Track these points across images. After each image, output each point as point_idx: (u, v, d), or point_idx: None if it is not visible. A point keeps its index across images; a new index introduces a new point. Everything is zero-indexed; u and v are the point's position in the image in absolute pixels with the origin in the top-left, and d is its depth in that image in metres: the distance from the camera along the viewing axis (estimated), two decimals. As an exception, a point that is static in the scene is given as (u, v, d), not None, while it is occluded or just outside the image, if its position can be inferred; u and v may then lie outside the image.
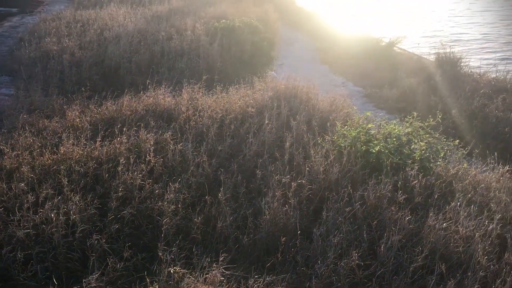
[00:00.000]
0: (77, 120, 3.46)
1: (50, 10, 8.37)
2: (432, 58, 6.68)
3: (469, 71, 4.61)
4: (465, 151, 2.97)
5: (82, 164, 2.75)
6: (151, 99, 3.81)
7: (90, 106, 3.75)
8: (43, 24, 6.25)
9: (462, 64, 4.74)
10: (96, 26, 5.95)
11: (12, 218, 2.26)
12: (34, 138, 3.10)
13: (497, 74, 4.35)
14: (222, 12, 6.75)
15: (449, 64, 4.48)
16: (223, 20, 6.13)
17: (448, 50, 4.93)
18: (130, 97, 3.85)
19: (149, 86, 4.08)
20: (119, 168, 2.64)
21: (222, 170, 2.87)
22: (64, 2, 9.57)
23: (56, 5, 9.16)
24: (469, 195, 2.53)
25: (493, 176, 2.71)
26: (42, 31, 5.89)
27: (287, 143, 3.11)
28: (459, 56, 4.79)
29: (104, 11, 6.86)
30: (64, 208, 2.26)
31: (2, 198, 2.42)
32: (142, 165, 2.75)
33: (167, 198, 2.50)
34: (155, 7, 7.33)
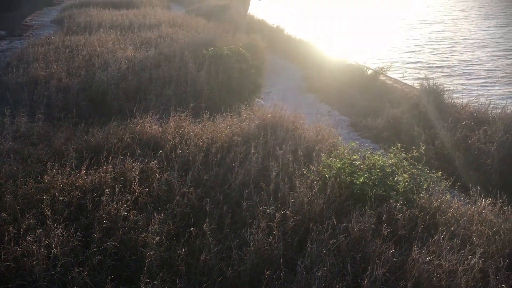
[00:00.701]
0: (63, 147, 3.45)
1: (39, 34, 8.39)
2: (416, 87, 6.83)
3: (452, 101, 4.71)
4: (448, 183, 3.01)
5: (66, 193, 2.73)
6: (138, 126, 3.81)
7: (76, 133, 3.75)
8: (32, 49, 6.26)
9: (444, 95, 4.83)
10: (85, 52, 5.98)
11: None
12: (19, 166, 3.08)
13: (479, 105, 4.44)
14: (211, 40, 6.83)
15: (432, 95, 4.58)
16: (212, 48, 6.20)
17: (431, 81, 5.04)
18: (117, 124, 3.85)
19: (136, 113, 4.10)
20: (104, 198, 2.62)
21: (207, 200, 2.87)
22: (54, 26, 9.61)
23: (45, 30, 9.19)
24: (452, 228, 2.56)
25: (475, 209, 2.74)
26: (30, 56, 5.90)
27: (273, 173, 3.12)
28: (442, 87, 4.89)
29: (94, 36, 6.90)
30: (46, 240, 2.23)
31: (-17, 229, 2.39)
32: (127, 195, 2.74)
33: (151, 229, 2.48)
34: (145, 34, 7.39)
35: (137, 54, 6.10)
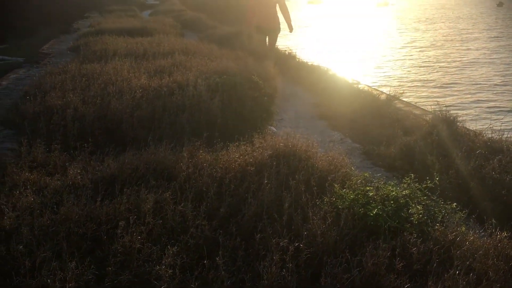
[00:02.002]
0: (78, 177, 3.50)
1: (56, 62, 8.60)
2: (429, 111, 6.82)
3: (465, 130, 4.69)
4: (463, 214, 2.98)
5: (81, 225, 2.76)
6: (152, 156, 3.86)
7: (91, 162, 3.81)
8: (49, 78, 6.41)
9: (458, 122, 4.82)
10: (101, 80, 6.10)
11: (8, 282, 2.26)
12: (35, 197, 3.13)
13: (493, 134, 4.42)
14: (224, 67, 6.93)
15: (445, 123, 4.57)
16: (224, 76, 6.29)
17: (444, 109, 5.04)
18: (131, 153, 3.91)
19: (150, 142, 4.16)
20: (118, 231, 2.65)
21: (221, 231, 2.88)
22: (70, 54, 9.85)
23: (62, 58, 9.42)
24: (468, 262, 2.52)
25: (491, 242, 2.71)
26: (48, 84, 6.04)
27: (286, 204, 3.13)
28: (455, 115, 4.88)
29: (109, 65, 7.04)
30: (61, 274, 2.26)
31: (0, 262, 2.43)
32: (142, 227, 2.77)
33: (165, 262, 2.50)
34: (159, 61, 7.52)
35: (151, 82, 6.21)
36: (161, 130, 4.89)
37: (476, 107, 25.66)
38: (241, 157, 3.92)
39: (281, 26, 8.26)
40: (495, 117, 23.38)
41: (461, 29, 66.67)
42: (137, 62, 7.48)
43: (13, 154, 4.15)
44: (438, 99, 27.97)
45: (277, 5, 8.14)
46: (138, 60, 7.76)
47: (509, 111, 24.35)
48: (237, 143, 4.23)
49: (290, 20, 8.24)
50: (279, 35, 8.47)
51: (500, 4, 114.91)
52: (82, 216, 2.84)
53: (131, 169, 3.64)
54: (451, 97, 28.39)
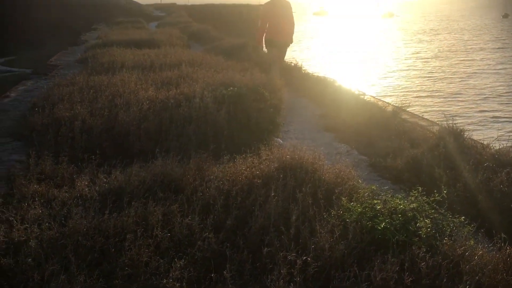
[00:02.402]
0: (86, 189, 3.52)
1: (64, 74, 8.69)
2: (436, 122, 6.80)
3: (472, 142, 4.68)
4: (471, 228, 2.96)
5: (90, 238, 2.77)
6: (159, 168, 3.87)
7: (99, 175, 3.82)
8: (57, 89, 6.47)
9: (464, 134, 4.81)
10: (108, 92, 6.15)
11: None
12: (43, 209, 3.15)
13: (500, 146, 4.41)
14: (230, 78, 6.97)
15: (452, 135, 4.56)
16: (231, 88, 6.32)
17: (451, 121, 5.03)
18: (138, 166, 3.92)
19: (158, 154, 4.18)
20: (126, 244, 2.66)
21: (228, 244, 2.88)
22: (78, 66, 9.95)
23: (70, 69, 9.51)
24: (477, 277, 2.51)
25: (500, 256, 2.69)
26: (56, 96, 6.09)
27: (293, 217, 3.13)
28: (461, 127, 4.87)
29: (116, 77, 7.10)
30: (69, 287, 2.26)
31: (9, 275, 2.44)
32: (149, 240, 2.77)
33: (172, 275, 2.50)
34: (165, 73, 7.58)
35: (158, 94, 6.25)
36: (168, 142, 4.91)
37: (481, 116, 25.72)
38: (248, 169, 3.93)
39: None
40: (499, 125, 23.42)
41: (466, 40, 66.94)
42: (144, 74, 7.54)
43: (21, 166, 4.18)
44: (443, 109, 28.03)
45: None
46: (145, 72, 7.82)
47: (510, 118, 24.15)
48: (243, 155, 4.24)
49: (292, 34, 8.39)
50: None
51: (505, 16, 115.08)
52: (90, 228, 2.85)
53: (138, 181, 3.65)
54: (456, 107, 28.47)
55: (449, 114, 25.43)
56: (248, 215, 3.25)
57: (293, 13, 8.34)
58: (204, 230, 3.00)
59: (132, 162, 4.04)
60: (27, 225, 2.86)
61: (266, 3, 8.28)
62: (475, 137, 5.23)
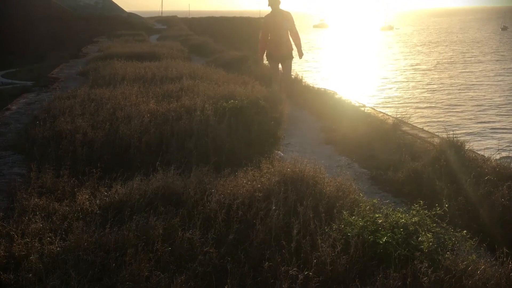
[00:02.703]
0: (87, 203, 3.51)
1: (66, 87, 8.73)
2: (436, 135, 6.80)
3: (473, 155, 4.68)
4: (473, 242, 2.95)
5: (90, 252, 2.76)
6: (160, 181, 3.87)
7: (100, 188, 3.82)
8: (58, 102, 6.50)
9: (465, 147, 4.81)
10: (109, 105, 6.17)
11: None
12: (44, 223, 3.14)
13: (500, 156, 4.42)
14: (231, 92, 7.00)
15: (453, 148, 4.56)
16: (231, 101, 6.34)
17: (451, 134, 5.04)
18: (139, 179, 3.92)
19: (159, 168, 4.17)
20: (127, 258, 2.65)
21: (229, 259, 2.87)
22: (79, 79, 10.00)
23: (71, 82, 9.56)
24: (480, 292, 2.50)
25: (503, 271, 2.68)
26: (57, 109, 6.11)
27: (294, 231, 3.12)
28: (462, 140, 4.88)
29: (118, 89, 7.13)
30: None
31: (9, 290, 2.43)
32: (150, 254, 2.76)
33: (174, 291, 2.49)
34: (166, 86, 7.61)
35: (159, 107, 6.27)
36: (169, 155, 4.91)
37: (479, 127, 25.82)
38: (249, 183, 3.93)
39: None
40: (498, 136, 23.45)
41: (465, 52, 67.53)
42: (146, 87, 7.57)
43: (22, 179, 4.18)
44: (442, 120, 28.17)
45: (288, 31, 8.06)
46: (147, 84, 7.85)
47: (510, 129, 24.28)
48: (244, 169, 4.24)
49: (300, 47, 8.18)
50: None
51: (504, 28, 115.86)
52: (91, 243, 2.84)
53: (139, 194, 3.65)
54: (454, 118, 28.65)
55: (448, 125, 25.70)
56: (250, 229, 3.24)
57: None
58: (205, 244, 2.99)
59: (133, 175, 4.04)
60: (27, 240, 2.86)
61: (266, 15, 8.07)
62: (473, 147, 5.24)
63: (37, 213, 3.25)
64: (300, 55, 8.21)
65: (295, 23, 8.04)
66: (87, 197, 3.57)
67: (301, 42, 8.35)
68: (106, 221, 3.09)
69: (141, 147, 5.04)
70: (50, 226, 3.11)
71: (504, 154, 4.51)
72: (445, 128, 5.44)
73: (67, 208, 3.43)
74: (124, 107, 6.09)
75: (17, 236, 2.87)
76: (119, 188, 3.72)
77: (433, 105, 32.88)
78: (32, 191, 3.70)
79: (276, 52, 8.03)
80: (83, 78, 9.93)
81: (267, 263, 2.74)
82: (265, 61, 9.10)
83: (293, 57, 8.23)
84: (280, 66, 8.39)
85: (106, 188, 3.79)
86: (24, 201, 3.48)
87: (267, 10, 8.16)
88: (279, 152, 5.70)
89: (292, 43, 8.21)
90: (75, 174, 4.24)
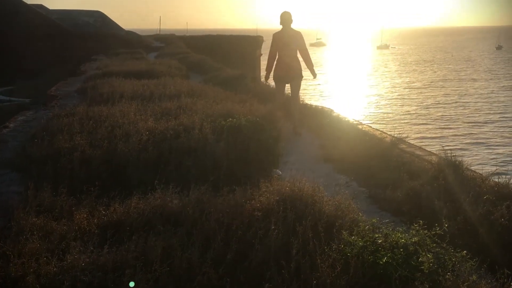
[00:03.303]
0: (85, 222, 3.49)
1: (64, 104, 8.74)
2: (434, 153, 6.82)
3: (471, 173, 4.69)
4: (474, 263, 2.94)
5: (88, 273, 2.73)
6: (159, 200, 3.85)
7: (98, 207, 3.80)
8: (56, 120, 6.50)
9: (463, 166, 4.82)
10: (108, 123, 6.17)
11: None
12: (41, 243, 3.11)
13: (499, 179, 4.42)
14: (229, 110, 7.02)
15: (451, 167, 4.57)
16: (230, 119, 6.35)
17: (449, 152, 5.06)
18: (137, 198, 3.90)
19: (157, 186, 4.16)
20: (125, 279, 2.62)
21: (228, 279, 2.85)
22: (78, 97, 10.02)
23: (70, 100, 9.58)
24: (481, 314, 2.47)
25: (504, 292, 2.66)
26: (55, 127, 6.11)
27: (294, 251, 3.10)
28: (460, 158, 4.89)
29: (116, 107, 7.14)
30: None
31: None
32: (148, 275, 2.74)
33: (172, 312, 2.46)
34: (165, 104, 7.63)
35: (158, 125, 6.27)
36: (167, 174, 4.89)
37: (474, 143, 25.97)
38: (248, 202, 3.91)
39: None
40: (492, 151, 23.57)
41: (459, 71, 68.37)
42: (144, 105, 7.58)
43: (20, 198, 4.14)
44: (436, 136, 28.34)
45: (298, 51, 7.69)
46: (145, 102, 7.87)
47: (504, 146, 24.54)
48: (243, 187, 4.23)
49: (312, 66, 7.83)
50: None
51: (499, 47, 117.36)
52: (89, 263, 2.81)
53: (137, 213, 3.63)
54: (450, 135, 28.89)
55: (443, 142, 25.94)
56: (249, 248, 3.22)
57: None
58: (204, 264, 2.96)
59: (131, 194, 4.02)
60: (24, 260, 2.82)
61: (275, 34, 7.73)
62: (470, 163, 5.25)
63: (34, 232, 3.22)
64: (314, 75, 7.86)
65: (305, 42, 7.78)
66: (85, 216, 3.55)
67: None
68: (104, 240, 3.07)
69: (140, 165, 5.03)
70: (47, 246, 3.08)
71: (502, 168, 4.51)
72: (442, 147, 5.46)
73: (65, 227, 3.40)
74: (123, 125, 6.09)
75: (14, 256, 2.84)
76: (117, 207, 3.70)
77: (428, 122, 33.25)
78: (30, 210, 3.67)
79: (283, 73, 7.71)
80: (82, 95, 9.96)
81: (267, 284, 2.72)
82: (268, 81, 9.01)
83: (302, 77, 7.88)
84: (287, 85, 8.05)
85: (104, 207, 3.77)
86: (21, 220, 3.45)
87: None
88: (277, 170, 5.70)
89: (302, 63, 7.82)
90: (73, 192, 4.22)
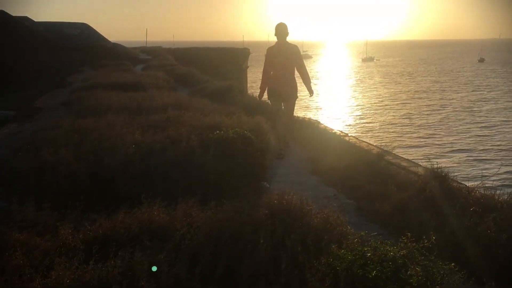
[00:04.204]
0: (69, 238, 3.42)
1: (50, 117, 8.64)
2: (420, 165, 6.87)
3: (457, 185, 4.73)
4: (462, 275, 2.95)
5: (73, 290, 2.68)
6: (146, 215, 3.81)
7: (83, 222, 3.74)
8: (41, 133, 6.42)
9: (450, 178, 4.86)
10: (94, 136, 6.11)
11: None
12: (25, 259, 3.04)
13: (485, 190, 4.46)
14: (216, 122, 7.01)
15: (437, 179, 4.61)
16: (217, 131, 6.34)
17: (435, 164, 5.10)
18: (124, 212, 3.85)
19: (144, 200, 4.11)
20: (111, 296, 2.58)
21: (216, 295, 2.81)
22: (63, 109, 9.92)
23: (55, 112, 9.48)
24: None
25: (493, 305, 2.67)
26: (40, 140, 6.03)
27: (283, 265, 3.08)
28: (446, 170, 4.94)
29: (102, 120, 7.08)
30: None
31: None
32: (135, 291, 2.69)
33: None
34: (152, 116, 7.59)
35: (145, 137, 6.22)
36: (154, 187, 4.84)
37: (457, 154, 26.39)
38: (236, 215, 3.88)
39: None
40: (475, 163, 24.00)
41: (442, 83, 69.66)
42: (131, 117, 7.53)
43: (3, 212, 4.06)
44: (420, 145, 28.80)
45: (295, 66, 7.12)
46: (132, 115, 7.82)
47: (487, 159, 25.09)
48: (231, 201, 4.20)
49: (310, 83, 7.17)
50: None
51: (481, 60, 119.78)
52: (74, 280, 2.76)
53: (124, 228, 3.58)
54: (433, 144, 29.40)
55: (426, 149, 26.39)
56: (237, 263, 3.19)
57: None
58: (192, 280, 2.93)
59: (117, 208, 3.96)
60: (7, 277, 2.76)
61: (269, 48, 7.09)
62: (454, 174, 5.29)
63: (18, 248, 3.15)
64: (311, 92, 7.24)
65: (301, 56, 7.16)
66: (70, 231, 3.49)
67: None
68: (90, 256, 3.01)
69: (126, 179, 4.98)
70: (31, 262, 3.02)
71: (483, 175, 4.55)
72: (428, 158, 5.52)
73: (49, 243, 3.34)
74: (109, 138, 6.03)
75: (-3, 273, 2.77)
76: (103, 222, 3.64)
77: (412, 131, 33.86)
78: (13, 225, 3.60)
79: (280, 89, 7.08)
80: (68, 108, 9.86)
81: (256, 299, 2.68)
82: (263, 98, 8.67)
83: (297, 97, 7.30)
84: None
85: (89, 222, 3.71)
86: (5, 236, 3.38)
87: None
88: (265, 183, 5.69)
89: (298, 79, 7.25)
90: (58, 207, 4.15)
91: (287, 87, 7.08)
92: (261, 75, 7.36)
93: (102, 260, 3.02)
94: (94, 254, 3.02)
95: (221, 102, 9.82)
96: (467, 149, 27.78)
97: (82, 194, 4.41)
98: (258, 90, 7.70)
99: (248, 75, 38.31)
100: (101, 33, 34.17)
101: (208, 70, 23.58)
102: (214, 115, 7.77)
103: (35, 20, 30.49)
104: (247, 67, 37.72)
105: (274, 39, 7.16)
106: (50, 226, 3.72)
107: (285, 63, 6.95)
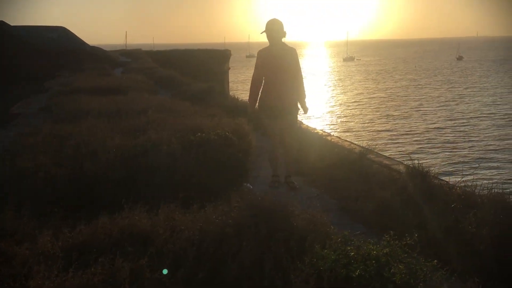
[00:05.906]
0: (48, 245, 3.35)
1: (28, 123, 8.48)
2: (402, 163, 6.94)
3: (439, 182, 4.78)
4: (445, 272, 2.97)
5: (52, 299, 2.62)
6: (127, 220, 3.75)
7: (62, 229, 3.66)
8: (19, 139, 6.29)
9: (431, 175, 4.91)
10: (74, 141, 6.01)
11: None
12: (3, 268, 2.97)
13: (465, 186, 4.52)
14: (198, 125, 6.96)
15: (419, 177, 4.65)
16: (199, 134, 6.30)
17: (416, 162, 5.15)
18: (105, 218, 3.78)
19: (125, 205, 4.05)
20: (92, 304, 2.52)
21: (200, 299, 2.78)
22: (42, 114, 9.75)
23: (34, 118, 9.31)
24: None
25: (475, 301, 2.69)
26: (18, 147, 5.91)
27: (267, 267, 3.06)
28: (427, 168, 4.99)
29: (82, 125, 6.98)
30: None
31: None
32: (117, 299, 2.64)
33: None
34: (133, 120, 7.51)
35: (126, 141, 6.14)
36: (135, 191, 4.78)
37: (437, 151, 26.87)
38: (219, 217, 3.85)
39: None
40: (453, 157, 24.52)
41: (420, 80, 70.90)
42: (111, 121, 7.43)
43: (-21, 221, 3.95)
44: (400, 143, 29.24)
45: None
46: (112, 119, 7.72)
47: (466, 155, 25.68)
48: (214, 203, 4.16)
49: (304, 97, 5.69)
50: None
51: (460, 58, 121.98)
52: (53, 289, 2.69)
53: (104, 234, 3.52)
54: (412, 141, 29.93)
55: (405, 146, 26.86)
56: (221, 266, 3.16)
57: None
58: (175, 284, 2.89)
59: (98, 214, 3.90)
60: (-17, 288, 2.68)
61: (261, 51, 5.52)
62: (434, 170, 5.37)
63: (-5, 258, 3.07)
64: (305, 109, 5.79)
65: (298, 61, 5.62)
66: (48, 239, 3.41)
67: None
68: (70, 264, 2.95)
69: (107, 184, 4.90)
70: (8, 271, 2.94)
71: (460, 170, 4.60)
72: (409, 156, 5.57)
73: (27, 251, 3.26)
74: (89, 143, 5.94)
75: (-27, 284, 2.69)
76: (83, 228, 3.57)
77: (391, 128, 34.44)
78: (-10, 235, 3.51)
79: (276, 103, 5.56)
80: (46, 113, 9.70)
81: (240, 302, 2.66)
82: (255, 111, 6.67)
83: (298, 109, 5.79)
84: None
85: (69, 229, 3.63)
86: (-19, 246, 3.29)
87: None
88: (248, 184, 5.66)
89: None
90: (37, 214, 4.06)
91: (284, 100, 5.53)
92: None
93: (83, 267, 2.96)
94: (74, 262, 2.96)
95: (202, 105, 9.78)
96: (447, 146, 28.31)
97: (62, 201, 4.33)
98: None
99: (229, 76, 38.28)
100: (79, 36, 33.76)
101: (188, 72, 23.49)
102: (195, 117, 7.72)
103: (11, 24, 29.93)
104: (229, 68, 37.69)
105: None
106: (29, 234, 3.63)
107: (287, 69, 5.47)
